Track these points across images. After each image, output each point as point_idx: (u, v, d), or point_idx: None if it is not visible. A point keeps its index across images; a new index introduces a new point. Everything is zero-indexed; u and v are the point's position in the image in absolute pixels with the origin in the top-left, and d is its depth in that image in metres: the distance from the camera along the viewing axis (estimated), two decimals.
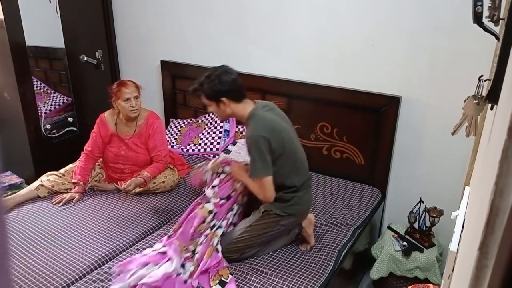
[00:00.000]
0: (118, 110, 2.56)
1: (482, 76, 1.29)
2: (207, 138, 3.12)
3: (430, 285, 2.04)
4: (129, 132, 2.60)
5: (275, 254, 2.07)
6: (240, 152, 2.86)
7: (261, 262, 2.01)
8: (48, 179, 2.55)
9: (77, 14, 3.21)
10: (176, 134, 3.27)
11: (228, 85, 1.98)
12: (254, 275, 1.91)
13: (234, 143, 2.98)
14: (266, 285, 1.86)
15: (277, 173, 1.94)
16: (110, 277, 1.89)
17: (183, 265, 1.90)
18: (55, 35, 3.11)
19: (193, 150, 3.13)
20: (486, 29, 1.13)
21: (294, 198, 2.02)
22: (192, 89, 2.06)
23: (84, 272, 1.94)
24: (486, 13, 1.05)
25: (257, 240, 2.02)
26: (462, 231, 1.15)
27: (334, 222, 2.32)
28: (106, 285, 1.85)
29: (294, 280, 1.88)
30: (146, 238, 2.19)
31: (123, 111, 2.52)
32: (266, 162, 1.90)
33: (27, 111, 2.93)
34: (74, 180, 2.54)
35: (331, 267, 2.01)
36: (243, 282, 1.87)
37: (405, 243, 2.41)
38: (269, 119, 1.96)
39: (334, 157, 2.77)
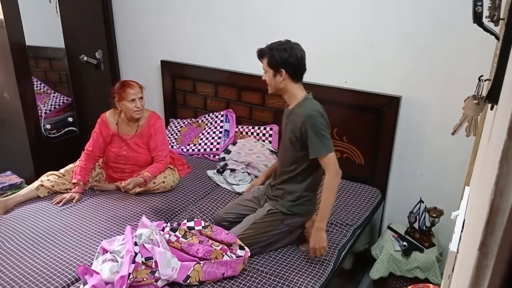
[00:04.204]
0: (119, 110, 2.56)
1: (482, 76, 1.29)
2: (207, 138, 3.12)
3: (430, 285, 2.04)
4: (131, 132, 2.60)
5: (275, 254, 2.07)
6: (240, 152, 2.86)
7: (261, 262, 2.01)
8: (48, 179, 2.55)
9: (77, 14, 3.21)
10: (176, 134, 3.27)
11: (295, 59, 1.96)
12: (255, 275, 1.91)
13: (234, 143, 2.98)
14: (266, 285, 1.86)
15: (308, 163, 1.98)
16: None
17: None
18: (55, 35, 3.11)
19: (193, 150, 3.13)
20: (486, 29, 1.13)
21: (302, 198, 2.04)
22: (259, 49, 2.04)
23: None
24: (486, 13, 1.04)
25: (260, 238, 2.02)
26: (462, 231, 1.15)
27: (334, 222, 2.32)
28: None
29: (295, 280, 1.88)
30: None
31: (127, 111, 2.52)
32: (330, 138, 1.94)
33: (27, 111, 2.93)
34: (74, 180, 2.54)
35: (331, 267, 2.01)
36: (243, 282, 1.87)
37: (405, 243, 2.41)
38: (322, 108, 2.01)
39: None
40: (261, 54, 2.02)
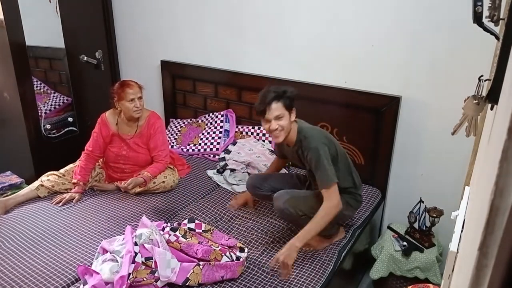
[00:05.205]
0: (119, 110, 2.56)
1: (482, 76, 1.29)
2: (207, 138, 3.12)
3: (430, 285, 2.04)
4: (131, 132, 2.61)
5: (275, 255, 2.07)
6: (240, 152, 2.86)
7: (261, 262, 2.01)
8: (48, 179, 2.55)
9: (77, 14, 3.21)
10: (176, 134, 3.27)
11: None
12: (255, 275, 1.91)
13: (234, 143, 2.99)
14: (266, 286, 1.86)
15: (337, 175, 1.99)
16: None
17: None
18: (55, 35, 3.11)
19: (193, 150, 3.13)
20: (486, 29, 1.13)
21: (356, 195, 2.15)
22: (275, 95, 1.93)
23: None
24: (486, 13, 1.04)
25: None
26: (462, 231, 1.15)
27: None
28: None
29: (295, 281, 1.88)
30: None
31: (127, 111, 2.52)
32: (333, 168, 1.92)
33: (27, 111, 2.93)
34: (74, 180, 2.54)
35: (331, 267, 2.01)
36: (243, 282, 1.87)
37: (405, 243, 2.41)
38: (316, 127, 2.08)
39: None
40: (272, 101, 1.92)
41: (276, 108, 1.92)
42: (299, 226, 1.99)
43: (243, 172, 2.75)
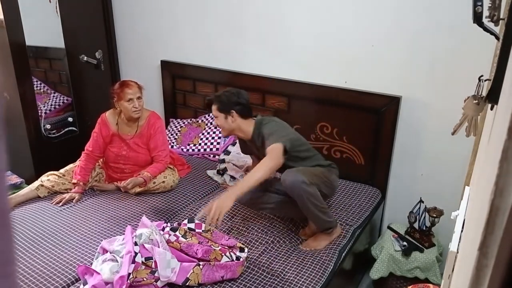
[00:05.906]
0: (119, 110, 2.57)
1: (482, 76, 1.29)
2: (207, 138, 3.12)
3: (430, 285, 2.04)
4: (131, 132, 2.60)
5: (275, 254, 2.07)
6: (239, 153, 2.86)
7: (261, 262, 2.01)
8: (48, 179, 2.55)
9: (77, 14, 3.21)
10: (176, 134, 3.27)
11: (243, 100, 2.23)
12: (255, 275, 1.91)
13: (233, 144, 2.98)
14: (266, 286, 1.86)
15: (299, 154, 2.16)
16: None
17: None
18: (55, 35, 3.11)
19: (193, 150, 3.13)
20: (486, 29, 1.13)
21: (330, 163, 2.30)
22: (208, 99, 2.30)
23: None
24: (486, 13, 1.04)
25: (318, 176, 2.10)
26: (462, 231, 1.15)
27: None
28: None
29: (295, 281, 1.88)
30: None
31: (126, 111, 2.52)
32: (284, 137, 2.07)
33: (27, 111, 2.93)
34: (74, 181, 2.54)
35: (331, 267, 2.01)
36: (243, 282, 1.87)
37: (405, 243, 2.41)
38: (272, 117, 2.30)
39: (334, 157, 2.77)
40: (210, 103, 2.24)
41: (213, 109, 2.24)
42: (305, 204, 2.01)
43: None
